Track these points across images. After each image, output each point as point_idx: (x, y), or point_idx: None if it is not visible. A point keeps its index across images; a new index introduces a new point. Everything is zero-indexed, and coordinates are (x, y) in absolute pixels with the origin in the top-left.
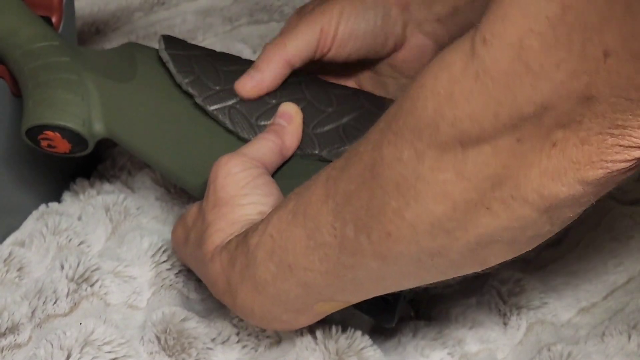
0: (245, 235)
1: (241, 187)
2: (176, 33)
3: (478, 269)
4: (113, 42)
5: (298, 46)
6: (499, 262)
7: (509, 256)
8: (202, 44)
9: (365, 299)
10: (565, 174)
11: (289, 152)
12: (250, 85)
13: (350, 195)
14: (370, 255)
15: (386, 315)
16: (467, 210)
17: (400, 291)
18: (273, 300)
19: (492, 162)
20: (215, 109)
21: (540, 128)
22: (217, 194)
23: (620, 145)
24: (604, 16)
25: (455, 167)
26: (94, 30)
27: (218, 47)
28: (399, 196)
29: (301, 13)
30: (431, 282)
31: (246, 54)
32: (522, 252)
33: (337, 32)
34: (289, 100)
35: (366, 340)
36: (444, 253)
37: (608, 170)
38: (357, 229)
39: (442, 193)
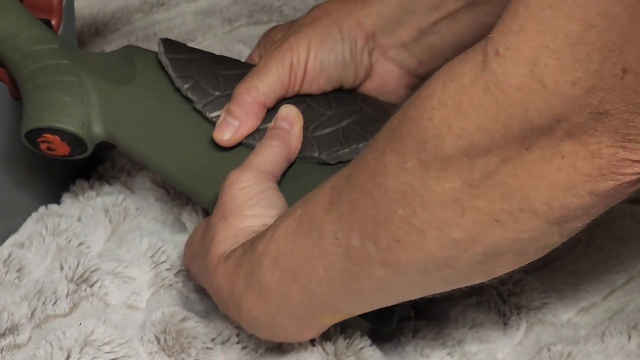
0: (252, 243)
1: (248, 199)
2: (176, 34)
3: (485, 279)
4: (113, 42)
5: (270, 86)
6: (507, 272)
7: (516, 266)
8: (201, 45)
9: (367, 310)
10: (575, 186)
11: (294, 156)
12: (228, 134)
13: (355, 204)
14: (377, 263)
15: (384, 320)
16: (476, 219)
17: None
18: (277, 308)
19: (500, 171)
20: (215, 116)
21: (550, 138)
22: (224, 207)
23: (631, 160)
24: (625, 36)
25: (462, 177)
26: (93, 31)
27: (218, 48)
28: (405, 204)
29: (268, 39)
30: (436, 293)
31: (246, 54)
32: (529, 262)
33: (307, 68)
34: (288, 103)
35: (365, 341)
36: (451, 264)
37: (618, 183)
38: (363, 237)
39: (450, 200)
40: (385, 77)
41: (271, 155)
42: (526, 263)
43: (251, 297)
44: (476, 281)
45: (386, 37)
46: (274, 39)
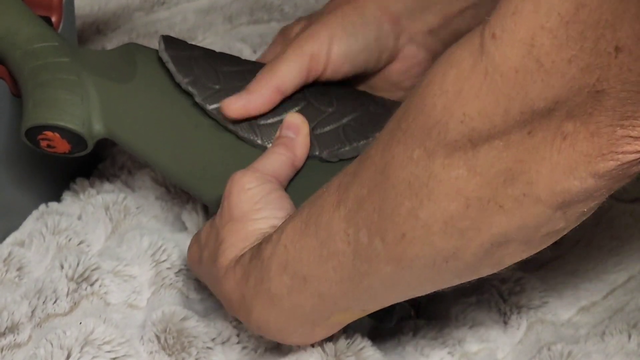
0: (258, 247)
1: (254, 203)
2: (176, 32)
3: (494, 270)
4: (113, 41)
5: (289, 73)
6: (514, 262)
7: (524, 255)
8: (202, 43)
9: (381, 307)
10: (577, 167)
11: (301, 163)
12: (237, 105)
13: (362, 200)
14: (385, 259)
15: (385, 313)
16: (481, 208)
17: None
18: (289, 314)
19: (503, 157)
20: (215, 108)
21: (551, 120)
22: (230, 211)
23: (631, 137)
24: (617, 13)
25: (467, 163)
26: (94, 30)
27: (218, 46)
28: (412, 195)
29: (285, 34)
30: (446, 287)
31: (246, 53)
32: (537, 251)
33: (330, 56)
34: (288, 100)
35: (365, 341)
36: (458, 255)
37: (619, 162)
38: (370, 233)
39: (455, 190)
40: (411, 60)
41: (276, 161)
42: (534, 252)
43: (261, 304)
44: (485, 273)
45: (413, 23)
46: (291, 34)
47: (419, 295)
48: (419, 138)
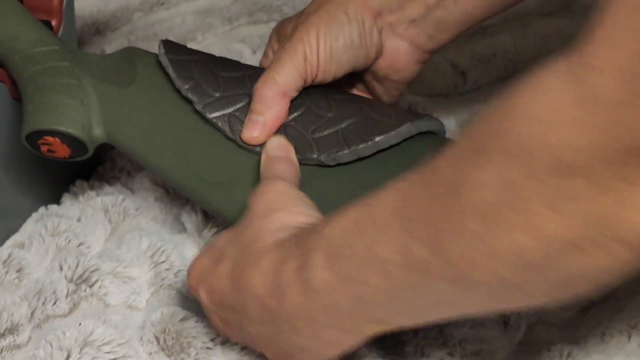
0: (301, 236)
1: (292, 197)
2: (176, 33)
3: (549, 304)
4: (113, 42)
5: (287, 77)
6: (572, 298)
7: (587, 293)
8: (201, 44)
9: (419, 324)
10: None
11: (299, 175)
12: (256, 132)
13: (423, 212)
14: (439, 276)
15: None
16: (557, 248)
17: None
18: (322, 309)
19: (589, 197)
20: (215, 117)
21: None
22: (269, 203)
23: None
24: None
25: (547, 199)
26: (93, 31)
27: (218, 47)
28: (479, 221)
29: (279, 33)
30: (494, 313)
31: (246, 54)
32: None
33: (319, 55)
34: (289, 106)
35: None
36: (520, 286)
37: None
38: (425, 247)
39: (532, 225)
40: (396, 53)
41: (286, 171)
42: (597, 291)
43: (296, 293)
44: (539, 304)
45: (394, 14)
46: (285, 32)
47: (454, 316)
48: (497, 163)
